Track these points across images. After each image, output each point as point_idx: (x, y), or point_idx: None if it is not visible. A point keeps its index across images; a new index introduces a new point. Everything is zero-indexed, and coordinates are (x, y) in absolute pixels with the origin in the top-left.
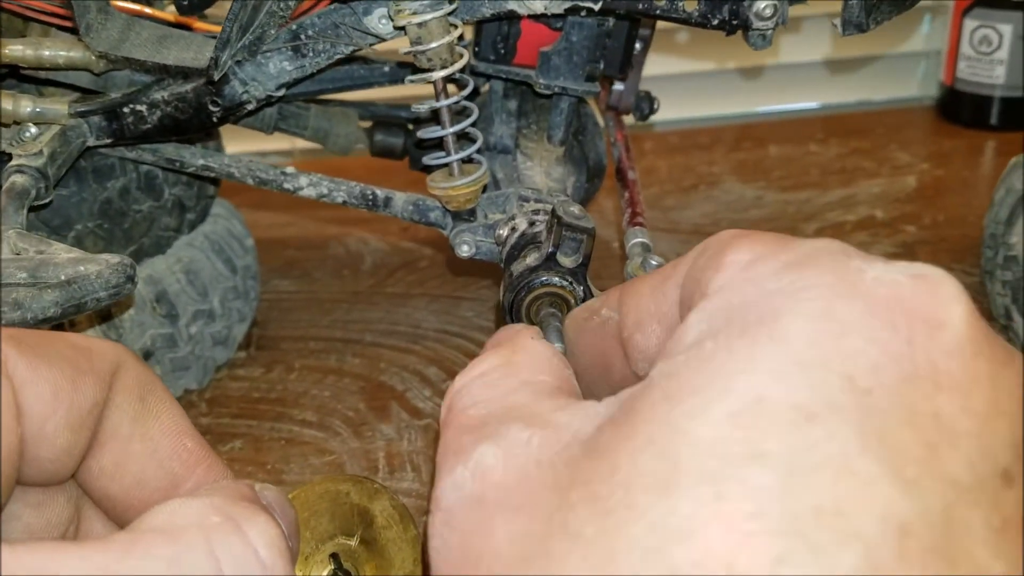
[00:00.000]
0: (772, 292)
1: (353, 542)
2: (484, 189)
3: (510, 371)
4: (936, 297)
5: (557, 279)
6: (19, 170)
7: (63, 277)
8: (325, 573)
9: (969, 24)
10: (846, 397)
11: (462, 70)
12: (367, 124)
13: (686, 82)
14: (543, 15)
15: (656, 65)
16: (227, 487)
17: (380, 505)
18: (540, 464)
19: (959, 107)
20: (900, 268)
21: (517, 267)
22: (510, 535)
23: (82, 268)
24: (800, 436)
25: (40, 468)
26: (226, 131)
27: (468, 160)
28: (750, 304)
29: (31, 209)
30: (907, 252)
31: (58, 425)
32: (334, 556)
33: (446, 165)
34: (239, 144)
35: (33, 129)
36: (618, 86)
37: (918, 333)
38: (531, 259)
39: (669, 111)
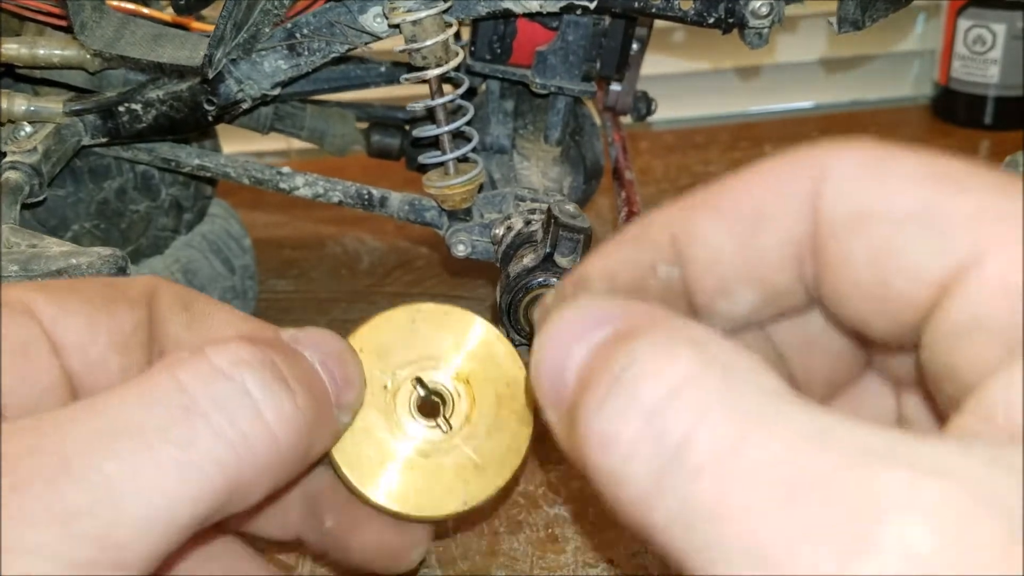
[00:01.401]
0: None
1: (439, 367)
2: (481, 189)
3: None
4: None
5: (554, 280)
6: (13, 166)
7: (54, 269)
8: (412, 399)
9: (963, 24)
10: None
11: (457, 69)
12: (364, 125)
13: (682, 82)
14: (539, 14)
15: (652, 65)
16: (243, 334)
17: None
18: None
19: (954, 106)
20: None
21: (514, 268)
22: None
23: (73, 260)
24: None
25: None
26: (223, 132)
27: (464, 159)
28: None
29: (25, 207)
30: None
31: (103, 350)
32: (419, 380)
33: (442, 164)
34: (236, 144)
35: (28, 128)
36: (615, 86)
37: None
38: (528, 259)
39: (665, 110)
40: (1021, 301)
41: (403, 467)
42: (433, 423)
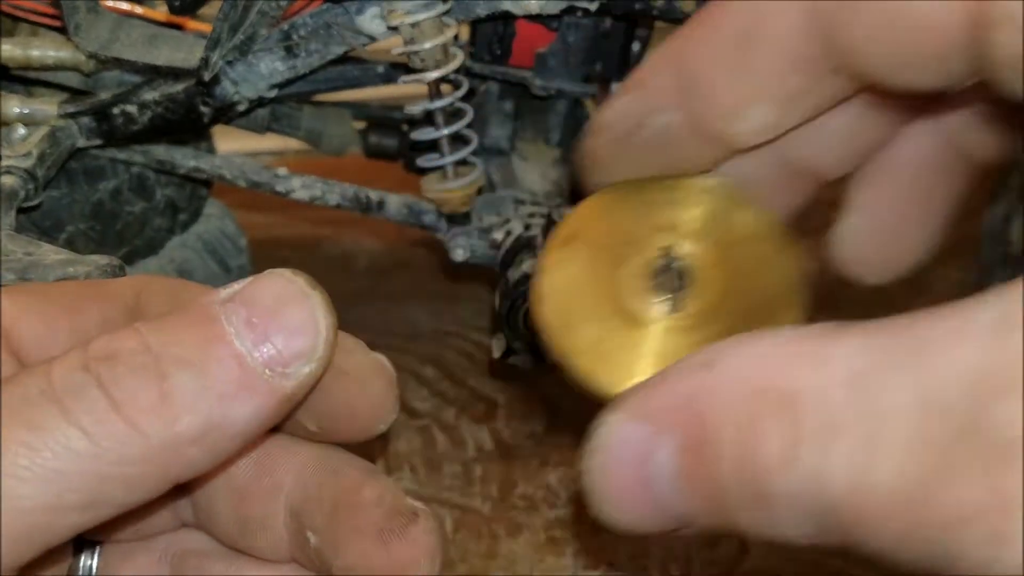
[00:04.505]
0: None
1: (684, 245)
2: (479, 192)
3: None
4: None
5: None
6: (7, 171)
7: (52, 279)
8: (647, 273)
9: None
10: None
11: (456, 71)
12: (361, 125)
13: None
14: (539, 16)
15: None
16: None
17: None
18: None
19: None
20: None
21: (513, 274)
22: None
23: (71, 270)
24: None
25: None
26: (219, 131)
27: (463, 162)
28: None
29: (21, 211)
30: None
31: (63, 345)
32: (665, 252)
33: (440, 167)
34: (231, 143)
35: (22, 130)
36: (616, 87)
37: None
38: (527, 266)
39: None
40: None
41: (611, 335)
42: (665, 298)
